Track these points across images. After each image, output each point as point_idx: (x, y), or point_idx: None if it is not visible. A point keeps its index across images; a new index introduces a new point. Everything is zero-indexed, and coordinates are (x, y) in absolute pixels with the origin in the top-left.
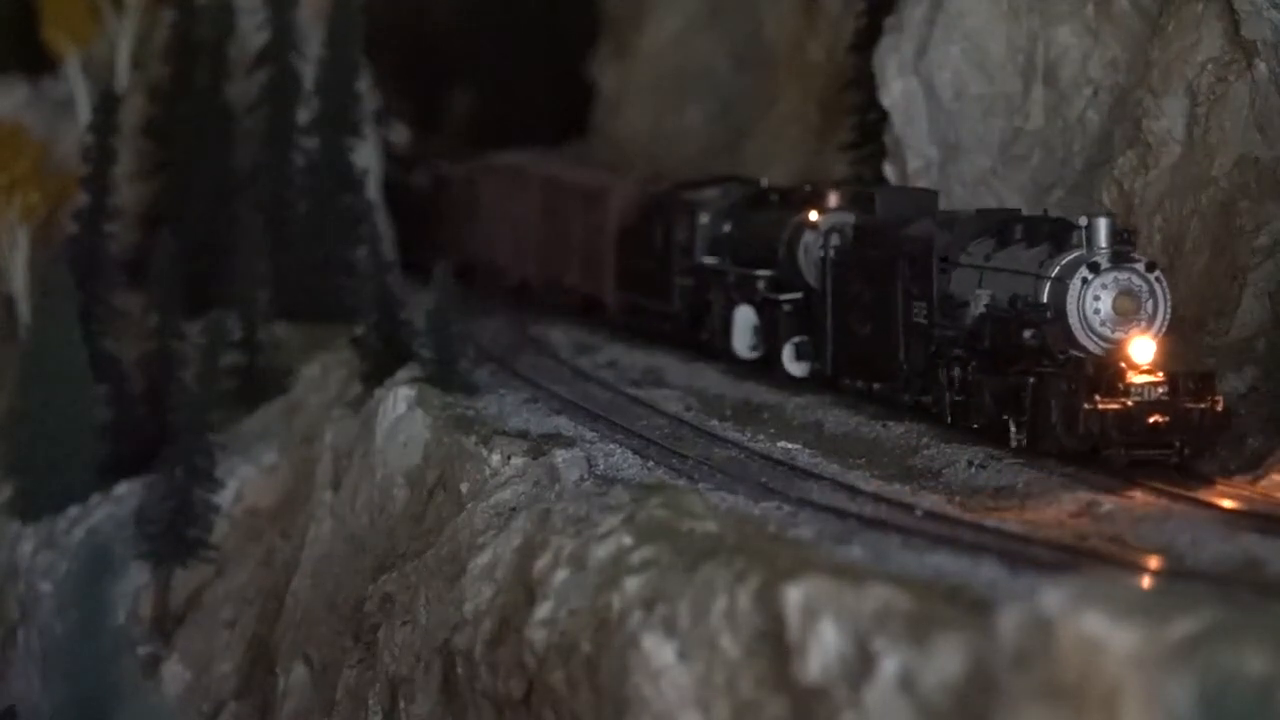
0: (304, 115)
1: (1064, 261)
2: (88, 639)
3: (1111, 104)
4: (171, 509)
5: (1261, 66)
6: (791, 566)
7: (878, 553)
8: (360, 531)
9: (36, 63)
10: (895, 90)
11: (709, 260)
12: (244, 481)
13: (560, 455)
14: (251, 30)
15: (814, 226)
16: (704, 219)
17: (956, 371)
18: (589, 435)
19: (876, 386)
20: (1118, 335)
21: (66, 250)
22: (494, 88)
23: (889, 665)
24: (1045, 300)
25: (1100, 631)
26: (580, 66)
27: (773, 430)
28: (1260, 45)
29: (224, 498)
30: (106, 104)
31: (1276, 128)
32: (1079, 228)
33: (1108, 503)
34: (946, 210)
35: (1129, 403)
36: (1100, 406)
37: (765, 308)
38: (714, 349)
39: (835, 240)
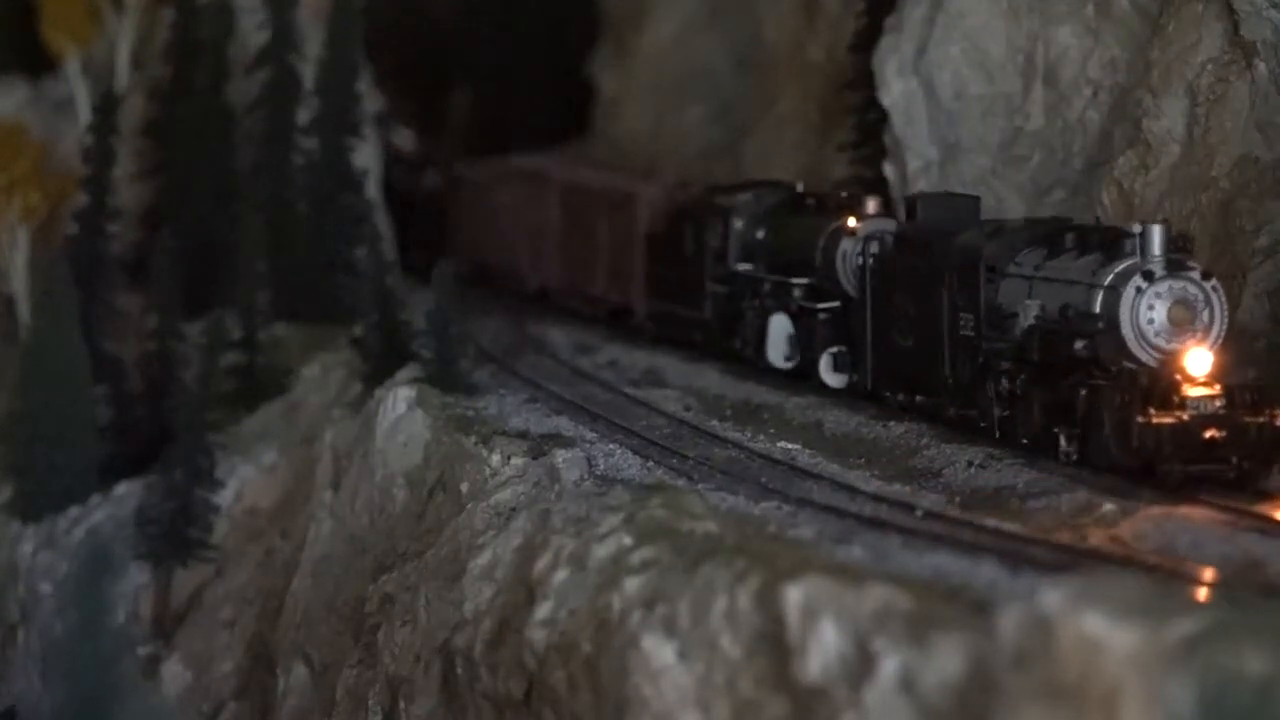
0: (304, 115)
1: (1117, 270)
2: (88, 639)
3: (1111, 104)
4: (171, 509)
5: (1261, 66)
6: (791, 566)
7: (878, 553)
8: (360, 531)
9: (36, 63)
10: (895, 90)
11: (743, 267)
12: (244, 481)
13: (560, 455)
14: (251, 30)
15: (852, 233)
16: (738, 224)
17: (1004, 385)
18: (589, 435)
19: (919, 400)
20: (1173, 346)
21: (66, 250)
22: (494, 88)
23: (889, 665)
24: (1098, 310)
25: (1100, 631)
26: (580, 66)
27: (773, 430)
28: (1260, 45)
29: (224, 498)
30: (106, 104)
31: (1276, 128)
32: (1132, 235)
33: (1108, 504)
34: (992, 218)
35: (1184, 416)
36: (1155, 420)
37: (801, 317)
38: (747, 358)
39: (875, 248)
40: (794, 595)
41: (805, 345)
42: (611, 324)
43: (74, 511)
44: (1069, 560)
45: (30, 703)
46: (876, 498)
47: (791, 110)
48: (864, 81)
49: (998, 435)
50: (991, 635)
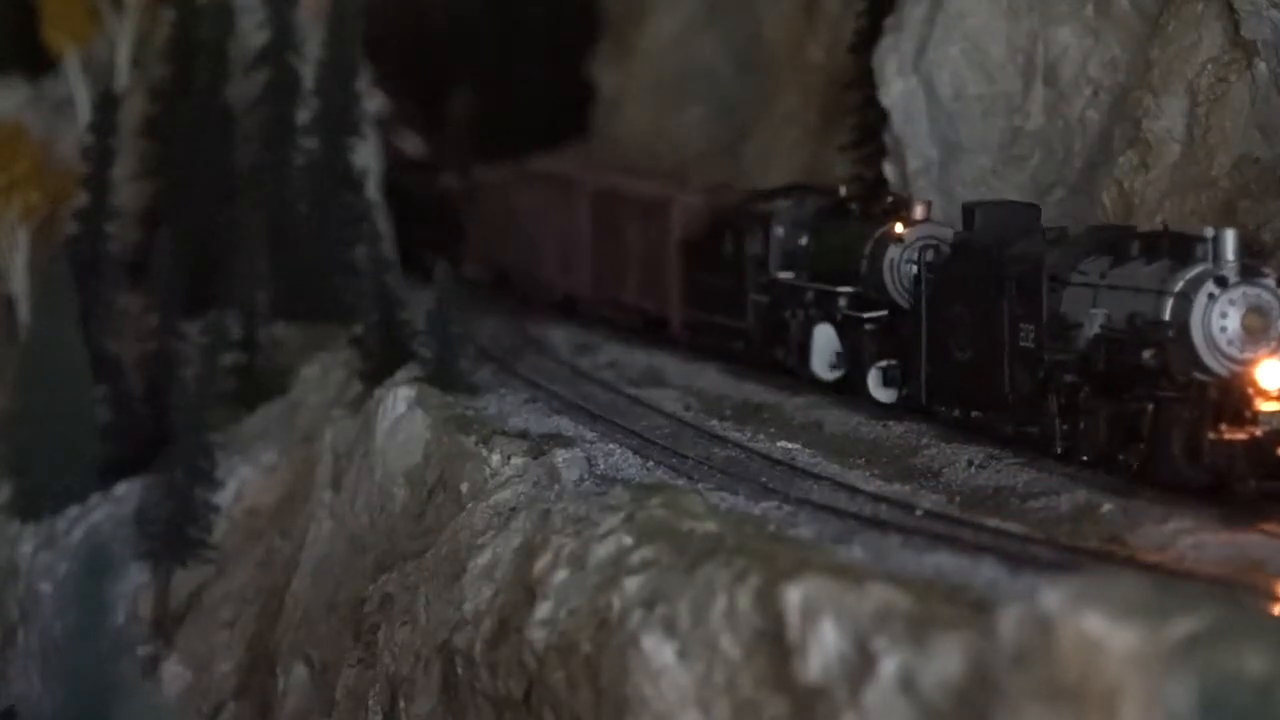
0: (304, 115)
1: (1188, 276)
2: (88, 639)
3: (1111, 104)
4: (171, 509)
5: (1261, 66)
6: (791, 566)
7: (878, 553)
8: (360, 531)
9: (36, 63)
10: (895, 90)
11: (784, 275)
12: (244, 481)
13: (560, 455)
14: (251, 30)
15: (899, 240)
16: (779, 231)
17: (1067, 398)
18: (589, 435)
19: (975, 415)
20: (1246, 356)
21: (66, 250)
22: (493, 88)
23: (889, 665)
24: (1167, 318)
25: (1100, 631)
26: (580, 66)
27: (773, 430)
28: (1260, 45)
29: (224, 498)
30: (106, 104)
31: (1276, 128)
32: (1203, 240)
33: (1108, 504)
34: (1053, 226)
35: (1258, 432)
36: (1226, 436)
37: (847, 327)
38: (791, 369)
39: (930, 257)
40: (794, 595)
41: (852, 357)
42: (646, 334)
43: (74, 511)
44: (1069, 560)
45: (30, 703)
46: (876, 497)
47: (791, 110)
48: (864, 81)
49: (1059, 451)
50: (991, 635)
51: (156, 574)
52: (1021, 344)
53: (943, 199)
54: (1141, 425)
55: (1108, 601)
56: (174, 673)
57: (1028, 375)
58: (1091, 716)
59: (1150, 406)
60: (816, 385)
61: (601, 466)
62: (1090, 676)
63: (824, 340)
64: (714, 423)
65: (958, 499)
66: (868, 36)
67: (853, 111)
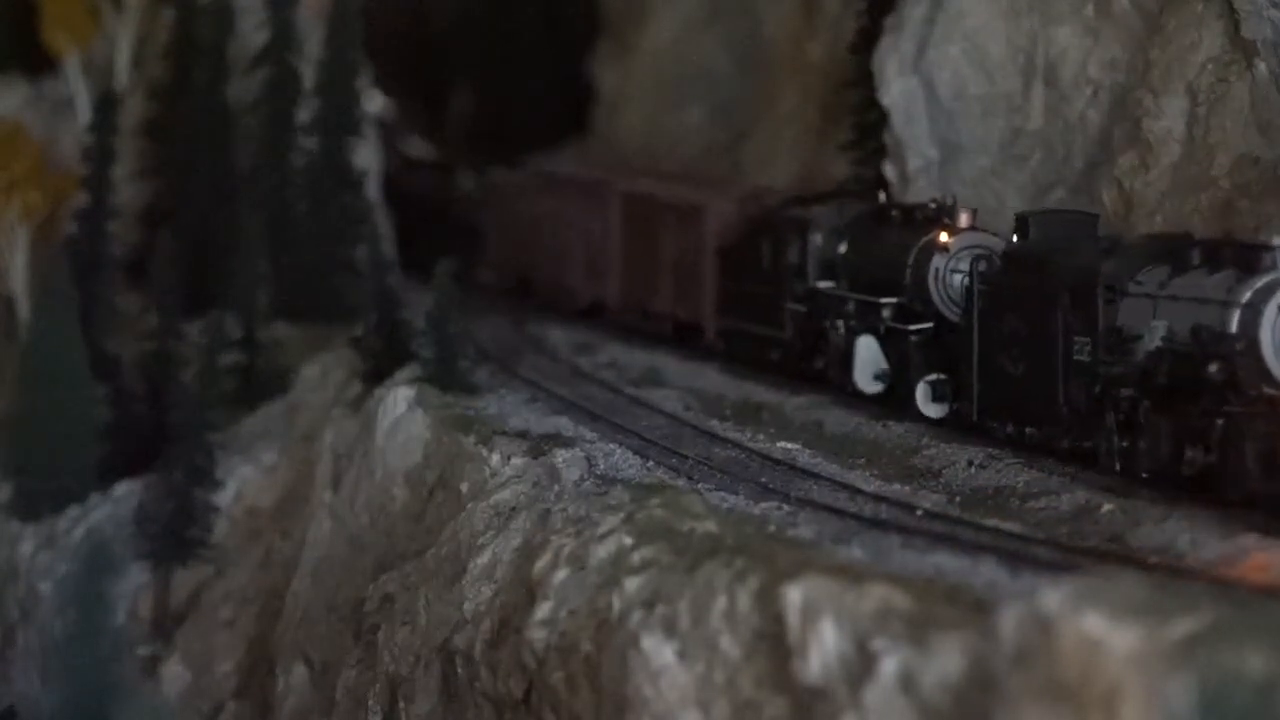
0: (304, 115)
1: (1257, 286)
2: (88, 639)
3: (1111, 104)
4: (171, 509)
5: (1261, 66)
6: (791, 566)
7: (878, 553)
8: (360, 531)
9: (36, 63)
10: (895, 90)
11: (824, 284)
12: (244, 481)
13: (560, 455)
14: (251, 30)
15: (945, 249)
16: (817, 239)
17: (1126, 413)
18: (589, 435)
19: (1029, 431)
20: None
21: (66, 250)
22: (493, 88)
23: (889, 665)
24: (1234, 330)
25: (1100, 631)
26: (580, 66)
27: (773, 430)
28: (1260, 45)
29: (224, 498)
30: (106, 104)
31: (1277, 128)
32: (1272, 249)
33: (1107, 504)
34: (1109, 234)
35: None
36: None
37: (891, 339)
38: (832, 381)
39: (982, 267)
40: (794, 595)
41: (898, 371)
42: (679, 342)
43: (74, 511)
44: (1069, 560)
45: (30, 703)
46: (876, 498)
47: (791, 110)
48: (864, 81)
49: (1117, 468)
50: (991, 635)
51: (156, 574)
52: (1077, 357)
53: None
54: (1208, 440)
55: (1108, 601)
56: (174, 673)
57: (1083, 390)
58: (1091, 716)
59: (1219, 421)
60: (860, 398)
61: (601, 466)
62: (1090, 676)
63: (867, 353)
64: (714, 423)
65: (958, 499)
66: (868, 36)
67: (853, 111)
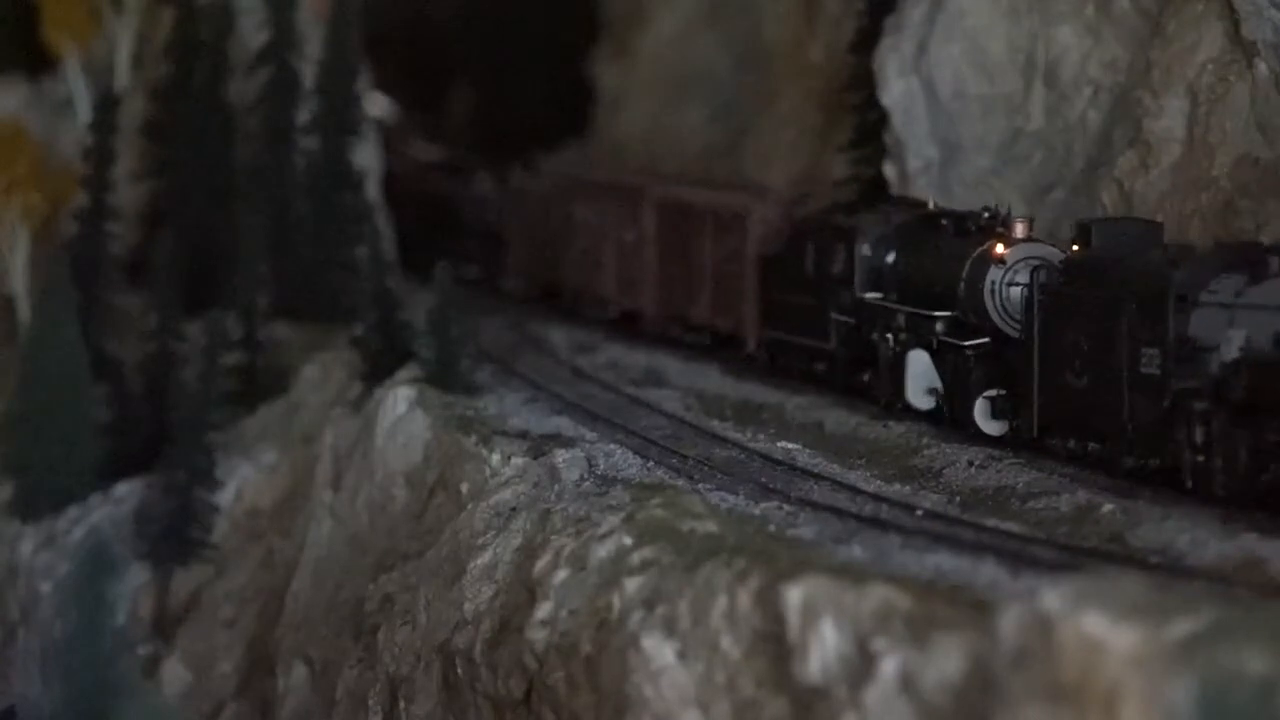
0: (304, 115)
1: None
2: (88, 639)
3: (1112, 104)
4: (171, 509)
5: (1262, 66)
6: (791, 566)
7: (878, 553)
8: (360, 531)
9: (36, 63)
10: (895, 90)
11: (871, 296)
12: (244, 481)
13: (560, 455)
14: (251, 30)
15: (1001, 261)
16: (865, 248)
17: (1199, 428)
18: (589, 435)
19: (1091, 448)
20: None
21: (66, 250)
22: (493, 88)
23: (889, 665)
24: None
25: (1100, 631)
26: (580, 66)
27: (773, 430)
28: (1260, 45)
29: (224, 498)
30: (106, 104)
31: (1276, 128)
32: None
33: (1107, 504)
34: (1178, 242)
35: None
36: None
37: (945, 354)
38: (882, 397)
39: (1043, 278)
40: (794, 595)
41: (953, 387)
42: (718, 352)
43: (74, 511)
44: (1069, 560)
45: (30, 703)
46: (877, 498)
47: (791, 110)
48: (864, 81)
49: (1189, 485)
50: (991, 635)
51: (156, 574)
52: (1144, 370)
53: (943, 199)
54: None
55: (1108, 601)
56: (174, 673)
57: (1150, 404)
58: (1091, 716)
59: None
60: (910, 412)
61: (602, 467)
62: (1090, 676)
63: (920, 368)
64: (714, 423)
65: (958, 499)
66: (868, 36)
67: (853, 111)
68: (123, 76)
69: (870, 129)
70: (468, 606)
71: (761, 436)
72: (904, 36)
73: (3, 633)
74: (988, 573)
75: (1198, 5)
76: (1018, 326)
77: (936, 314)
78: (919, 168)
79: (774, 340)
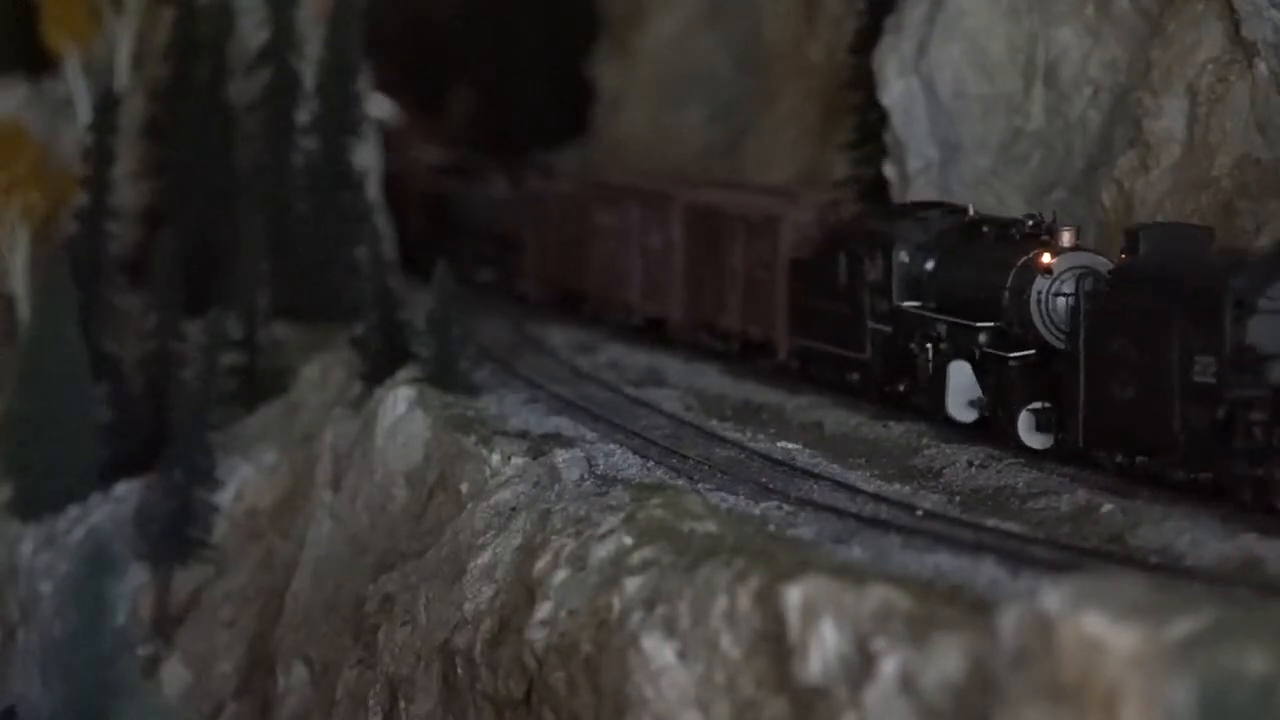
0: (304, 115)
1: None
2: (88, 639)
3: (1112, 104)
4: (171, 509)
5: (1262, 66)
6: (791, 566)
7: (878, 553)
8: (360, 531)
9: (36, 63)
10: (895, 90)
11: (909, 304)
12: (244, 481)
13: (560, 455)
14: (251, 30)
15: (1048, 270)
16: (903, 255)
17: (1260, 439)
18: (589, 435)
19: (1140, 461)
20: None
21: (66, 250)
22: (493, 88)
23: (889, 665)
24: None
25: (1100, 631)
26: (580, 66)
27: (773, 430)
28: (1260, 45)
29: (224, 498)
30: (106, 104)
31: (1276, 128)
32: None
33: (1107, 504)
34: (1231, 247)
35: None
36: None
37: (988, 365)
38: (921, 408)
39: (1089, 286)
40: (794, 595)
41: (996, 399)
42: (749, 361)
43: (74, 511)
44: (1069, 560)
45: (30, 703)
46: (876, 498)
47: (791, 110)
48: (864, 81)
49: (1248, 500)
50: (991, 635)
51: (156, 574)
52: (1197, 379)
53: (943, 199)
54: None
55: (1108, 601)
56: (174, 673)
57: (1204, 414)
58: (1091, 716)
59: None
60: (952, 425)
61: (602, 466)
62: (1090, 676)
63: (962, 379)
64: (714, 423)
65: (958, 499)
66: (868, 36)
67: (853, 111)
68: (123, 76)
69: (870, 129)
70: (468, 606)
71: (761, 436)
72: (904, 36)
73: (3, 633)
74: (988, 573)
75: (1198, 5)
76: (1063, 338)
77: (979, 324)
78: (919, 168)
79: (806, 349)
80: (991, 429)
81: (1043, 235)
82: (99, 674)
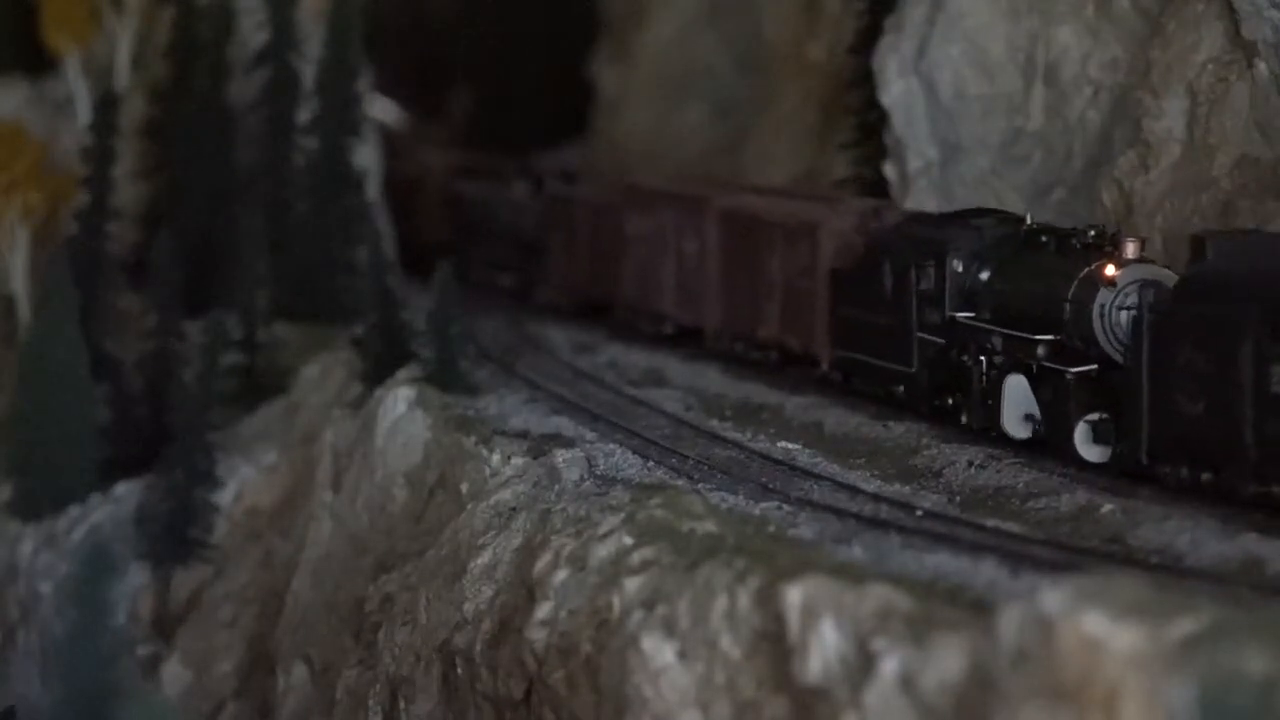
0: (304, 115)
1: None
2: (88, 639)
3: (1111, 104)
4: (171, 509)
5: (1261, 66)
6: (791, 567)
7: (878, 553)
8: (360, 531)
9: (36, 63)
10: (895, 90)
11: (963, 316)
12: (244, 481)
13: (560, 455)
14: (251, 30)
15: (1111, 283)
16: (956, 264)
17: None
18: (589, 435)
19: (1206, 476)
20: None
21: (66, 250)
22: (494, 89)
23: (889, 665)
24: None
25: (1100, 631)
26: (580, 66)
27: (773, 430)
28: (1260, 45)
29: (224, 498)
30: (106, 104)
31: (1276, 128)
32: None
33: (1107, 504)
34: None
35: None
36: None
37: (1046, 379)
38: (974, 423)
39: (1151, 297)
40: (794, 595)
41: (1054, 414)
42: (787, 371)
43: (74, 511)
44: (1069, 560)
45: (30, 703)
46: (876, 498)
47: (791, 110)
48: (864, 81)
49: None
50: (991, 635)
51: (156, 574)
52: (1274, 389)
53: (942, 199)
54: None
55: (1108, 601)
56: (174, 673)
57: (1277, 427)
58: (1091, 717)
59: None
60: (1008, 441)
61: (602, 466)
62: (1090, 676)
63: (1018, 393)
64: (714, 423)
65: (958, 499)
66: (868, 36)
67: (853, 111)
68: (123, 76)
69: (870, 129)
70: (468, 606)
71: (761, 436)
72: (904, 36)
73: (3, 633)
74: (988, 573)
75: (1198, 5)
76: (1124, 351)
77: (1038, 337)
78: (919, 168)
79: (849, 360)
80: (1044, 445)
81: (1106, 246)
82: (99, 674)
